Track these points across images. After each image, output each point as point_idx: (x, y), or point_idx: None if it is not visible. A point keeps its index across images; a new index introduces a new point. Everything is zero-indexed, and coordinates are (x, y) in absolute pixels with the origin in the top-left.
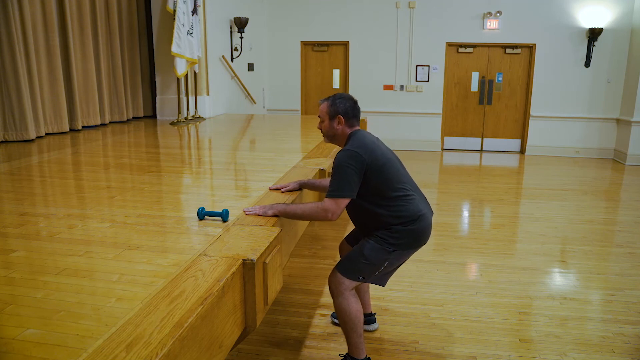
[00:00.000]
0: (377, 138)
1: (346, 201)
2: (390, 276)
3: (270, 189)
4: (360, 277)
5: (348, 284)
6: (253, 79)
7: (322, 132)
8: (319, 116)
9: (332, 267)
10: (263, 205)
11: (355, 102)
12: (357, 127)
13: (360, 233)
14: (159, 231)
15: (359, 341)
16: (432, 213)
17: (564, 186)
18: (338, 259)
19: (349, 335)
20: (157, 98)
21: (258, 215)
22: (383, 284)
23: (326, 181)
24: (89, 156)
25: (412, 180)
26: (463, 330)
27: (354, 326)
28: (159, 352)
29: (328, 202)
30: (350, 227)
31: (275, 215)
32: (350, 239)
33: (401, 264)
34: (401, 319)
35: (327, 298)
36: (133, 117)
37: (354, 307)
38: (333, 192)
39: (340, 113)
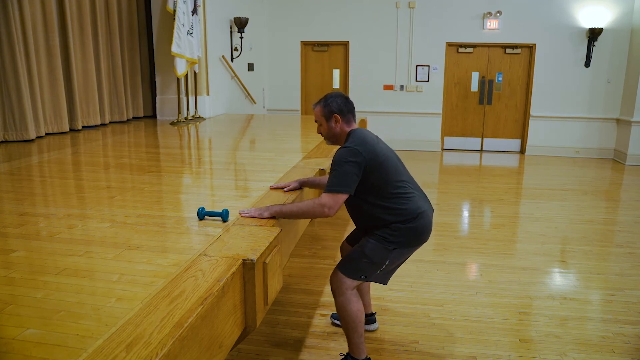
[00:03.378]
0: (377, 137)
1: (344, 197)
2: (393, 274)
3: (271, 188)
4: (362, 276)
5: (350, 283)
6: (253, 79)
7: (322, 135)
8: (315, 121)
9: (332, 267)
10: (259, 207)
11: (346, 98)
12: (355, 125)
13: (360, 232)
14: (159, 231)
15: (360, 341)
16: (433, 211)
17: (564, 186)
18: (338, 259)
19: (350, 335)
20: (157, 98)
21: (254, 217)
22: (385, 282)
23: (326, 178)
24: (89, 156)
25: (412, 178)
26: (463, 330)
27: (355, 326)
28: (159, 352)
29: (325, 197)
30: (351, 227)
31: (272, 217)
32: (351, 240)
33: (403, 262)
34: (401, 319)
35: (327, 298)
36: (133, 117)
37: (355, 306)
38: (331, 187)
39: (334, 112)
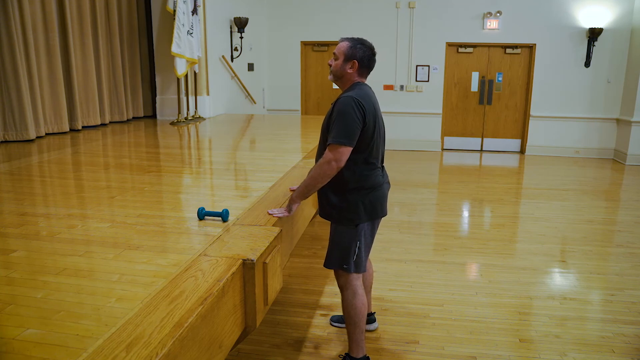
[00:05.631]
0: (377, 101)
1: (347, 149)
2: (367, 260)
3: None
4: (345, 266)
5: (349, 276)
6: (253, 79)
7: (330, 68)
8: (334, 52)
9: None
10: (286, 206)
11: (374, 54)
12: (364, 80)
13: (319, 203)
14: (159, 231)
15: (360, 338)
16: (389, 186)
17: (564, 186)
18: None
19: (352, 331)
20: (157, 98)
21: (286, 215)
22: (364, 269)
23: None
24: (89, 156)
25: (384, 152)
26: (463, 330)
27: (358, 321)
28: (159, 352)
29: (329, 154)
30: None
31: (299, 202)
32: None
33: (370, 241)
34: (401, 319)
35: (327, 298)
36: (133, 117)
37: (360, 299)
38: (334, 139)
39: (356, 58)
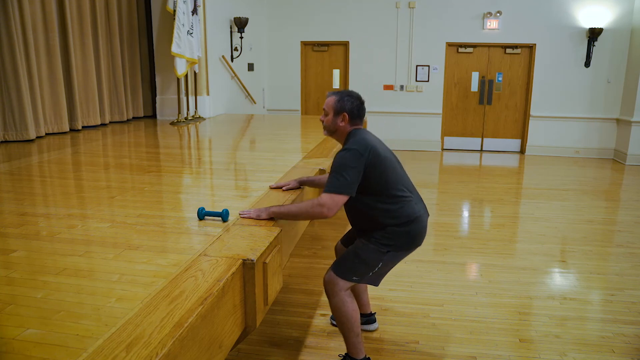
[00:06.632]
0: (378, 138)
1: (344, 198)
2: (384, 277)
3: (271, 188)
4: (355, 278)
5: (342, 284)
6: (253, 79)
7: (323, 124)
8: (324, 108)
9: None
10: (257, 208)
11: (362, 103)
12: (359, 126)
13: (356, 233)
14: (159, 231)
15: (357, 341)
16: (428, 215)
17: (564, 186)
18: None
19: (347, 336)
20: (157, 98)
21: (252, 218)
22: (376, 284)
23: (326, 177)
24: (89, 156)
25: (410, 181)
26: (463, 330)
27: (351, 326)
28: (159, 352)
29: (325, 197)
30: (349, 228)
31: (270, 218)
32: (345, 241)
33: (395, 265)
34: (401, 319)
35: (327, 298)
36: (133, 117)
37: (350, 306)
38: (331, 188)
39: (346, 111)
